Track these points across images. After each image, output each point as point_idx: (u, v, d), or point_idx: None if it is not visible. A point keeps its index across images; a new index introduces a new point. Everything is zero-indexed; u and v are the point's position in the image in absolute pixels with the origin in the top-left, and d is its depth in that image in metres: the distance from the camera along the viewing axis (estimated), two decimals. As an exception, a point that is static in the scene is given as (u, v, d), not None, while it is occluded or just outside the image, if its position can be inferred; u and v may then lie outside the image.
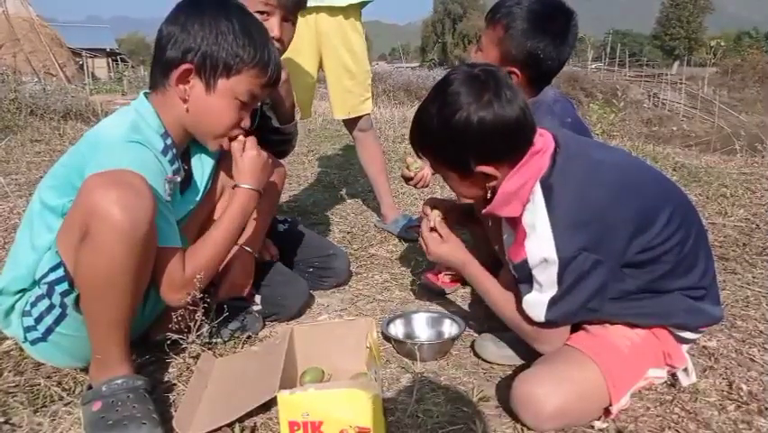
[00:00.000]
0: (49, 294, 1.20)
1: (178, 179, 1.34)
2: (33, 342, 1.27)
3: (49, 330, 1.24)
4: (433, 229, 1.45)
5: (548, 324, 1.19)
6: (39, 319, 1.24)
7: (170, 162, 1.30)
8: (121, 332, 1.16)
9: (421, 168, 1.88)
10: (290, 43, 1.75)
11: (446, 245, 1.44)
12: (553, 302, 1.15)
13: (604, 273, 1.13)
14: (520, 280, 1.21)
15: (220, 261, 1.39)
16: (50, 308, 1.22)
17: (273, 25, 1.65)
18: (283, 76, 1.58)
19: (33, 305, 1.24)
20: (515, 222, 1.23)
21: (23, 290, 1.26)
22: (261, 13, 1.59)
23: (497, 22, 1.58)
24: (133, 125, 1.26)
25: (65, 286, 1.18)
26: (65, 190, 1.21)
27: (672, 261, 1.18)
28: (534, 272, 1.16)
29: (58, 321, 1.23)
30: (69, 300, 1.18)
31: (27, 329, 1.26)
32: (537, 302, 1.17)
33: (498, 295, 1.33)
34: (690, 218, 1.24)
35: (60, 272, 1.17)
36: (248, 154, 1.41)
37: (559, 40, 1.55)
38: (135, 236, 1.09)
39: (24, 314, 1.25)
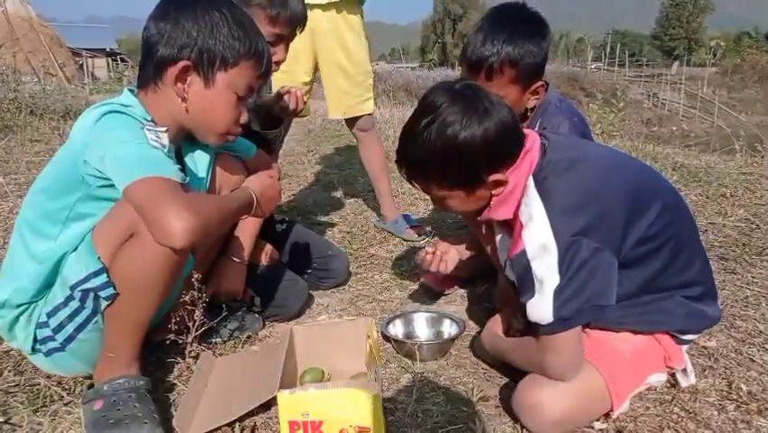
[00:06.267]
0: (82, 300, 1.15)
1: (187, 180, 1.30)
2: (48, 353, 1.23)
3: (69, 339, 1.20)
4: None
5: (557, 324, 1.09)
6: (58, 329, 1.20)
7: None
8: (140, 333, 1.18)
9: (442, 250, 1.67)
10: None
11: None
12: (559, 293, 1.07)
13: (606, 262, 1.09)
14: (518, 281, 1.16)
15: (219, 221, 1.20)
16: (74, 314, 1.17)
17: (280, 50, 1.67)
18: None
19: (51, 315, 1.19)
20: (510, 221, 1.23)
21: (27, 303, 1.22)
22: (270, 43, 1.52)
23: (499, 70, 1.51)
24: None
25: (110, 291, 1.13)
26: (60, 190, 1.18)
27: (668, 256, 1.17)
28: (532, 264, 1.10)
29: (80, 328, 1.19)
30: (103, 306, 1.15)
31: (42, 341, 1.22)
32: (542, 300, 1.09)
33: (515, 342, 1.30)
34: (682, 211, 1.24)
35: (104, 278, 1.13)
36: (273, 182, 1.46)
37: (537, 31, 1.55)
38: (183, 245, 1.08)
39: (39, 325, 1.21)
